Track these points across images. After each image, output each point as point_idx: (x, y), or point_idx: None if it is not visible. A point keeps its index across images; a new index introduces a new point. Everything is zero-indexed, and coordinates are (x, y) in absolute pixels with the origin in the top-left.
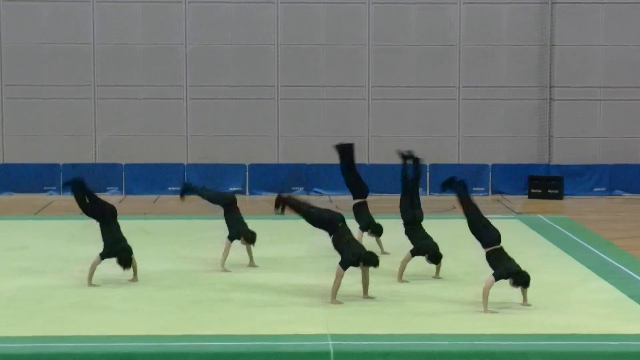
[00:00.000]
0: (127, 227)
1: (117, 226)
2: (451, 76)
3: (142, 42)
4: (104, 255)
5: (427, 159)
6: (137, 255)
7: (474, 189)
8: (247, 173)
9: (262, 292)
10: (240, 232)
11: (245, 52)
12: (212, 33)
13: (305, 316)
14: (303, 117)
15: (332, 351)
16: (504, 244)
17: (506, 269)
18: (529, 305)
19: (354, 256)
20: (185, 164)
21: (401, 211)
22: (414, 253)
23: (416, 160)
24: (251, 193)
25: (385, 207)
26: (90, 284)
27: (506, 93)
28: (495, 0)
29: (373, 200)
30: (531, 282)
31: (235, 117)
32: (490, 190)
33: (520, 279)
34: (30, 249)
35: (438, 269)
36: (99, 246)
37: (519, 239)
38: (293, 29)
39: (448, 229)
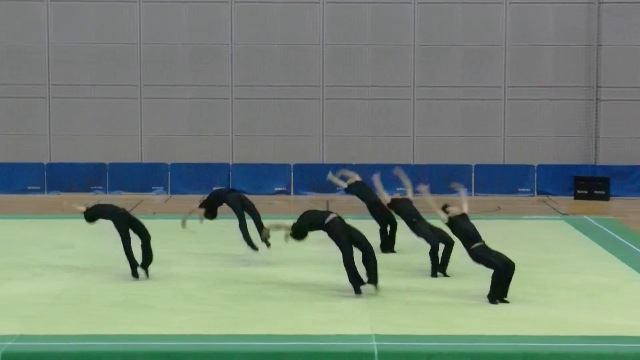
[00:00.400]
0: (173, 226)
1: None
2: (497, 76)
3: (188, 42)
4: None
5: (472, 159)
6: (181, 254)
7: (519, 189)
8: (291, 173)
9: (305, 291)
10: None
11: (291, 52)
12: (257, 33)
13: (349, 316)
14: (348, 117)
15: (376, 352)
16: (550, 244)
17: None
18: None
19: None
20: (231, 163)
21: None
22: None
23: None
24: (296, 193)
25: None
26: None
27: (552, 93)
28: (541, 0)
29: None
30: (577, 283)
31: (280, 117)
32: (535, 191)
33: None
34: (77, 248)
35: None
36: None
37: (564, 240)
38: (338, 28)
39: (493, 229)
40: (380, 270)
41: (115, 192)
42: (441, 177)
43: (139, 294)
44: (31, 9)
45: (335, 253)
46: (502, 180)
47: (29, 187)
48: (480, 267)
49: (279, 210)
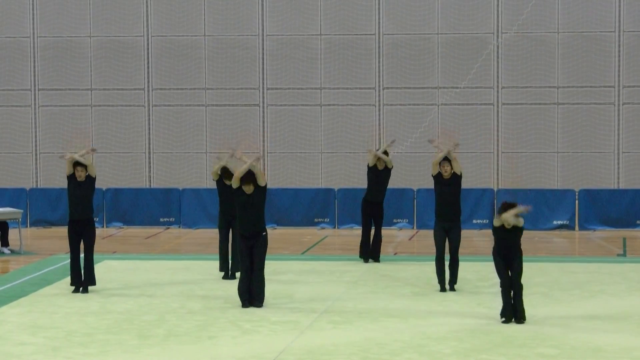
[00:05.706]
0: None
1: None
2: None
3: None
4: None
5: None
6: None
7: None
8: (576, 201)
9: None
10: None
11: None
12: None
13: None
14: None
15: None
16: None
17: None
18: None
19: None
20: (495, 189)
21: None
22: None
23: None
24: (582, 228)
25: None
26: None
27: None
28: None
29: None
30: None
31: (566, 133)
32: None
33: None
34: (294, 296)
35: None
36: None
37: None
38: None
39: None
40: None
41: (344, 227)
42: None
43: (376, 357)
44: None
45: None
46: None
47: None
48: None
49: (559, 251)
